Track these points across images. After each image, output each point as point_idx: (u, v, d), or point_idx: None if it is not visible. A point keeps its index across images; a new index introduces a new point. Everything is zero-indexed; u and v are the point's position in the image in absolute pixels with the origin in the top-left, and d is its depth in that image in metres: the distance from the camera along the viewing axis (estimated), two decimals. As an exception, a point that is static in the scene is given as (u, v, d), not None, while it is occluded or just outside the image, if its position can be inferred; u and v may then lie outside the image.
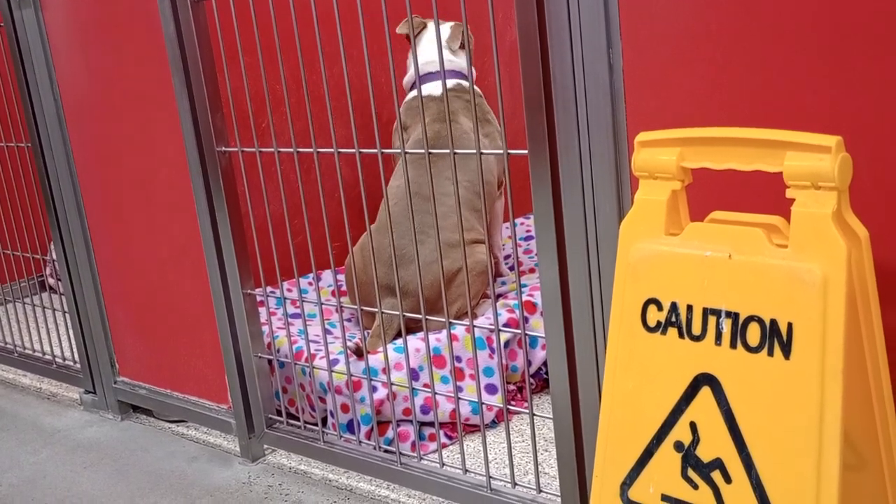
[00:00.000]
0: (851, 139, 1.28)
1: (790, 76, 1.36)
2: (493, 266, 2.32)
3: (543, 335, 1.78)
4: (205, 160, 2.29)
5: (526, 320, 2.59)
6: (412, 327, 2.57)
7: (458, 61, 2.88)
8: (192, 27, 2.21)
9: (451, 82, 2.85)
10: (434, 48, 2.81)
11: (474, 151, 1.83)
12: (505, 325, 2.51)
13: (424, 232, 2.58)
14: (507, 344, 2.54)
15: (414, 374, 2.39)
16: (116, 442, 2.69)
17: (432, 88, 2.86)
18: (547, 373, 2.47)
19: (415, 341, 2.41)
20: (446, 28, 2.87)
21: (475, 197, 2.75)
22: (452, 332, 2.46)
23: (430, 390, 2.08)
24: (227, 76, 2.20)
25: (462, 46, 2.86)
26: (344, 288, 3.07)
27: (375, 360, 2.35)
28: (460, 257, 2.57)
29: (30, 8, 2.64)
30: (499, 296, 2.83)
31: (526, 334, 1.85)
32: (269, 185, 2.88)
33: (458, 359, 2.47)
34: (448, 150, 1.87)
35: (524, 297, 2.61)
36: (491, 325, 2.35)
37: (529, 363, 2.57)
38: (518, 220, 3.71)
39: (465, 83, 2.85)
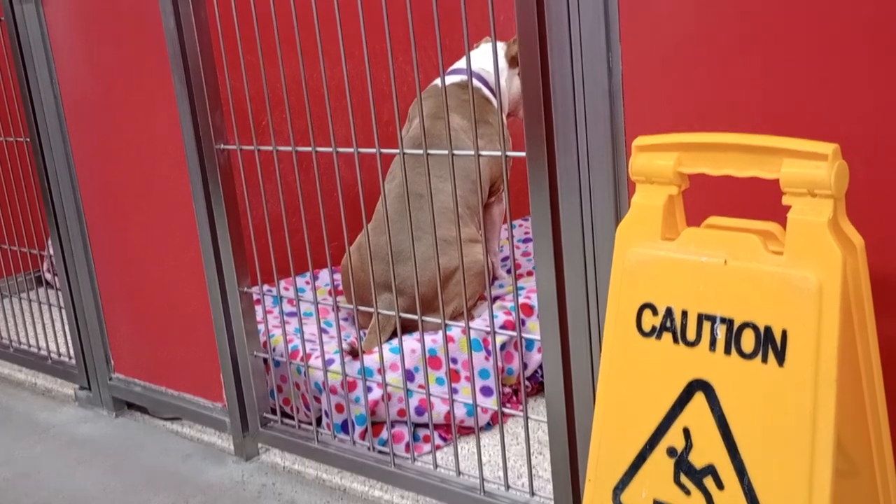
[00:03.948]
0: (848, 147, 1.28)
1: (788, 83, 1.36)
2: (489, 268, 2.33)
3: (539, 338, 1.78)
4: (203, 157, 2.29)
5: (522, 323, 2.59)
6: (409, 327, 2.57)
7: (486, 67, 2.95)
8: (192, 24, 2.21)
9: (458, 78, 2.89)
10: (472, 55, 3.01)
11: (472, 153, 1.82)
12: (501, 328, 2.51)
13: (420, 228, 2.58)
14: (503, 346, 2.54)
15: (409, 375, 2.39)
16: (111, 438, 2.68)
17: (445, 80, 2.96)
18: (542, 376, 2.47)
19: (410, 342, 2.41)
20: (502, 44, 3.00)
21: (469, 195, 2.76)
22: (448, 333, 2.45)
23: (424, 391, 2.08)
24: (227, 74, 2.20)
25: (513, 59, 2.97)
26: (341, 287, 3.07)
27: (371, 360, 2.35)
28: (456, 255, 2.57)
29: (30, 3, 2.64)
30: (496, 298, 2.82)
31: (522, 336, 1.85)
32: (268, 183, 2.88)
33: (454, 360, 2.47)
34: (446, 151, 1.87)
35: (521, 300, 2.60)
36: (487, 327, 2.35)
37: (525, 366, 2.57)
38: (516, 222, 3.71)
39: (476, 83, 2.89)
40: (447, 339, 2.08)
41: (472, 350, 2.44)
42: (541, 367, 2.57)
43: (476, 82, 2.92)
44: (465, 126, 2.83)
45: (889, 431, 1.22)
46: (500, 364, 2.53)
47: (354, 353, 2.33)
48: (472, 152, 1.83)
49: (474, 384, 1.96)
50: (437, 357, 2.44)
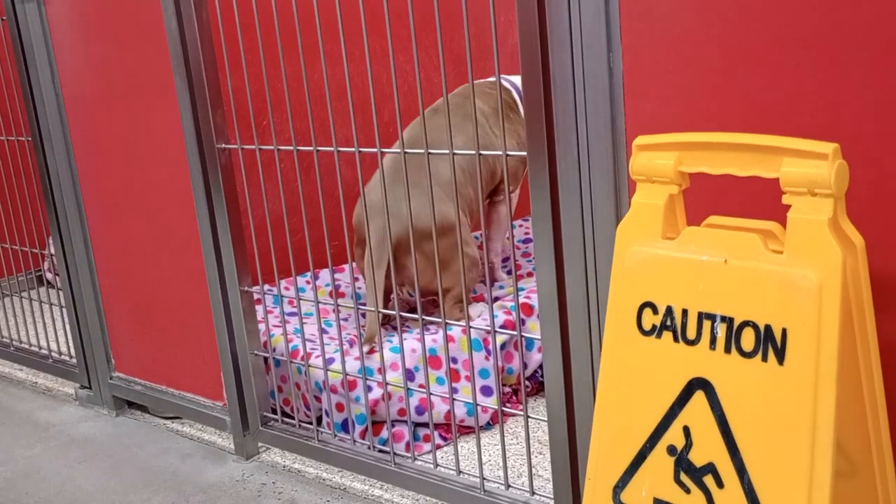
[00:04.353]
0: (848, 146, 1.29)
1: (789, 82, 1.36)
2: (488, 265, 2.34)
3: (539, 337, 1.78)
4: (204, 156, 2.29)
5: (523, 322, 2.59)
6: (401, 262, 2.59)
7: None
8: (194, 23, 2.22)
9: (493, 78, 3.00)
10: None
11: (474, 152, 1.83)
12: (501, 327, 2.51)
13: (421, 183, 2.58)
14: (503, 346, 2.54)
15: (409, 375, 2.39)
16: (111, 438, 2.69)
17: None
18: (542, 375, 2.47)
19: (411, 342, 2.41)
20: None
21: (469, 181, 2.79)
22: (449, 333, 2.46)
23: (425, 391, 2.08)
24: (229, 73, 2.20)
25: None
26: (342, 289, 3.08)
27: (371, 359, 2.35)
28: (450, 215, 2.59)
29: (32, 2, 2.64)
30: (496, 298, 2.83)
31: (522, 336, 1.85)
32: (269, 182, 2.88)
33: (454, 360, 2.47)
34: (447, 151, 1.87)
35: (521, 300, 2.61)
36: (488, 326, 2.35)
37: (525, 365, 2.57)
38: (516, 223, 3.71)
39: (506, 85, 3.03)
40: (447, 339, 2.08)
41: (473, 350, 2.44)
42: (541, 366, 2.58)
43: (507, 85, 3.03)
44: (487, 113, 2.89)
45: (889, 431, 1.23)
46: (500, 364, 2.54)
47: (370, 339, 2.36)
48: (473, 152, 1.83)
49: (474, 383, 1.96)
50: (437, 356, 2.44)
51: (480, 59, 3.59)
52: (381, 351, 2.13)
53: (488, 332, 2.48)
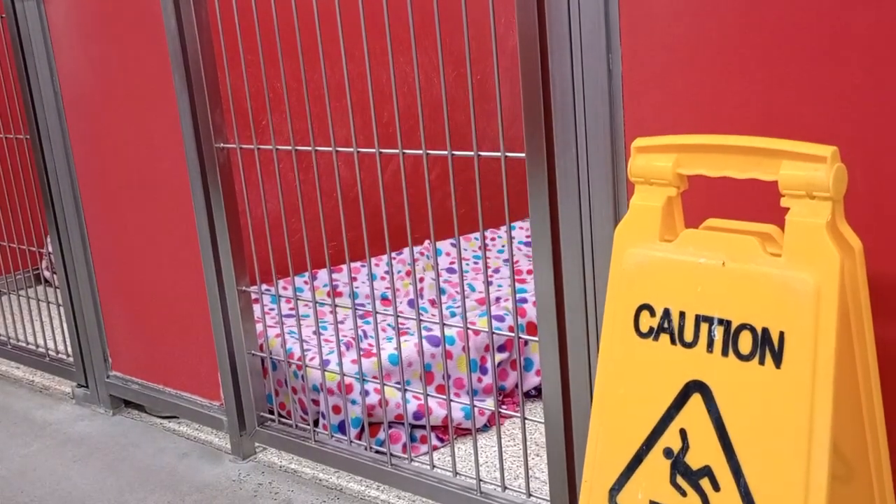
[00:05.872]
0: (847, 150, 1.29)
1: (788, 85, 1.36)
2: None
3: (537, 355, 1.78)
4: (203, 156, 2.29)
5: (525, 343, 2.58)
6: None
7: None
8: (193, 23, 2.21)
9: None
10: None
11: (472, 153, 1.83)
12: (501, 347, 2.51)
13: None
14: (499, 364, 2.54)
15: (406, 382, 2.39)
16: (107, 436, 2.68)
17: None
18: (538, 393, 2.47)
19: (409, 350, 2.40)
20: None
21: None
22: (448, 348, 2.45)
23: (422, 395, 2.08)
24: (228, 73, 2.20)
25: None
26: (339, 288, 3.08)
27: (368, 366, 2.35)
28: None
29: (32, 0, 2.64)
30: (497, 298, 2.83)
31: (520, 337, 1.85)
32: (267, 182, 2.88)
33: (448, 377, 2.47)
34: (446, 152, 1.87)
35: (525, 320, 2.59)
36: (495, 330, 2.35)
37: (523, 366, 2.57)
38: (516, 224, 3.71)
39: None
40: (446, 355, 2.07)
41: (470, 370, 2.44)
42: (535, 387, 2.58)
43: None
44: None
45: (885, 435, 1.23)
46: (494, 381, 2.53)
47: None
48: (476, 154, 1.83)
49: (471, 385, 1.96)
50: (430, 372, 2.44)
51: (480, 61, 3.59)
52: (379, 358, 2.12)
53: (486, 350, 2.48)
